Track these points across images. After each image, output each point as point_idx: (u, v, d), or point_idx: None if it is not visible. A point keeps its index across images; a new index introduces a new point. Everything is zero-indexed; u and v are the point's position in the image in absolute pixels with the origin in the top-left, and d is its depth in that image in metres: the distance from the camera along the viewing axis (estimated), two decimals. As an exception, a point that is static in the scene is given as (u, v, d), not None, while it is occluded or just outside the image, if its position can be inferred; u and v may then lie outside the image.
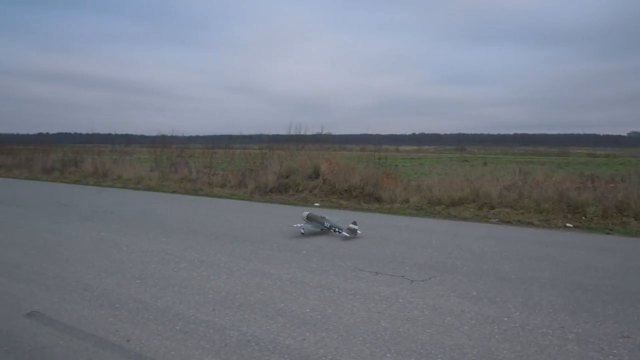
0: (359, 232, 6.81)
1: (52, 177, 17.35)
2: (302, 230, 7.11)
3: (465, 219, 8.50)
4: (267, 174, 12.58)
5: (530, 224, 7.95)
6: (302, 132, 14.75)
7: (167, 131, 21.55)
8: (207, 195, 12.05)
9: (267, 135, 16.45)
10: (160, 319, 3.71)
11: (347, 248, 6.08)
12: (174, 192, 12.70)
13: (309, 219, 7.42)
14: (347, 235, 6.77)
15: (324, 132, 15.04)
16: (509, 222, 8.11)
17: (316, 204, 10.28)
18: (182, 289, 4.43)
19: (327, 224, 7.14)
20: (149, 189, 13.51)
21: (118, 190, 13.24)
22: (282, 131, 15.88)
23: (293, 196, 11.38)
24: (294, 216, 8.54)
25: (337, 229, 6.95)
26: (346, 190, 11.16)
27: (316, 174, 12.14)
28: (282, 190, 11.98)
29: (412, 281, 4.67)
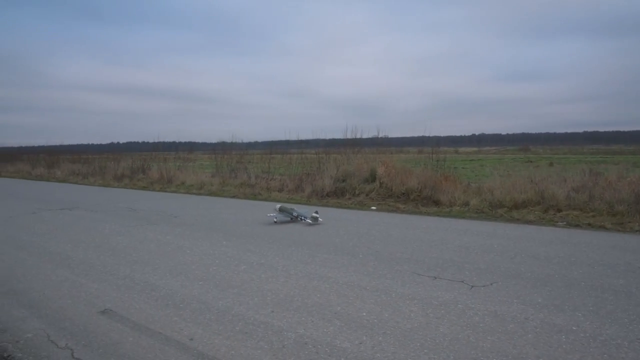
0: (320, 219, 8.25)
1: (122, 183, 18.44)
2: (275, 219, 8.43)
3: (529, 222, 8.13)
4: (324, 178, 12.68)
5: (602, 227, 7.46)
6: (358, 136, 14.75)
7: (227, 138, 22.29)
8: (266, 199, 12.33)
9: (324, 140, 16.57)
10: (221, 319, 3.84)
11: (405, 252, 5.99)
12: (233, 196, 13.10)
13: (281, 210, 8.79)
14: (311, 222, 8.18)
15: (380, 135, 14.94)
16: (577, 226, 7.66)
17: (373, 208, 10.23)
18: (241, 291, 4.56)
19: (295, 214, 8.61)
20: (211, 194, 14.02)
21: (182, 196, 13.85)
22: (338, 135, 15.95)
23: (350, 200, 11.39)
24: (350, 219, 8.55)
25: (302, 217, 8.44)
26: (403, 194, 11.02)
27: (373, 178, 12.08)
28: (338, 194, 12.03)
29: (472, 286, 4.53)
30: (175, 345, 3.36)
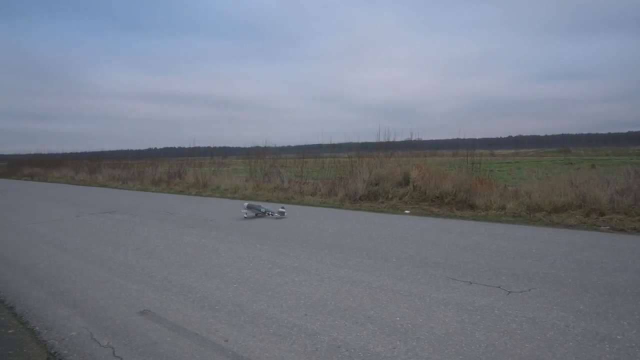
0: (285, 214, 9.72)
1: (160, 188, 18.94)
2: (245, 215, 9.80)
3: (569, 226, 7.86)
4: (357, 182, 12.65)
5: (648, 232, 7.14)
6: (391, 139, 14.65)
7: (260, 143, 22.57)
8: (299, 203, 12.41)
9: (356, 143, 16.52)
10: (256, 322, 3.90)
11: (439, 256, 5.91)
12: (267, 200, 13.24)
13: (249, 207, 10.07)
14: (278, 216, 9.64)
15: (414, 137, 14.77)
16: (622, 230, 7.35)
17: (406, 211, 10.13)
18: (275, 294, 4.61)
19: (262, 210, 9.95)
20: (245, 197, 14.20)
21: (216, 200, 14.11)
22: (371, 138, 15.87)
23: (383, 204, 11.32)
24: (384, 224, 8.51)
25: (270, 213, 9.78)
26: (437, 197, 10.86)
27: (406, 181, 11.97)
28: (371, 197, 11.98)
29: (510, 292, 4.42)
30: (211, 347, 3.43)
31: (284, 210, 9.81)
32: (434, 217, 9.47)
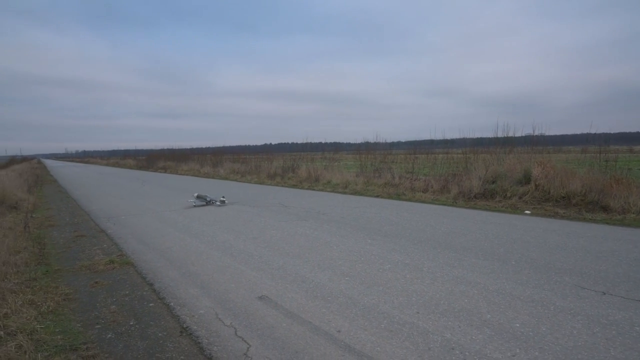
0: (226, 202, 12.13)
1: (275, 181, 19.91)
2: (194, 204, 11.93)
3: None
4: (471, 179, 12.08)
5: None
6: (510, 134, 13.73)
7: (370, 138, 22.60)
8: (409, 200, 12.21)
9: (470, 139, 15.70)
10: (367, 315, 3.93)
11: (565, 262, 5.41)
12: (377, 196, 13.23)
13: (198, 197, 12.26)
14: (219, 204, 11.87)
15: (536, 132, 13.65)
16: None
17: (527, 212, 9.44)
18: (386, 289, 4.61)
19: (208, 199, 12.12)
20: (355, 193, 14.36)
21: (328, 194, 14.45)
22: (487, 133, 15.00)
23: (500, 203, 10.66)
24: (501, 224, 8.03)
25: (213, 201, 12.11)
26: (563, 198, 9.95)
27: (527, 179, 11.14)
28: (487, 196, 11.36)
29: (653, 307, 3.91)
30: (324, 336, 3.54)
31: (224, 199, 12.22)
32: (560, 219, 8.69)
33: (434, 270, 5.23)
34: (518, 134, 13.90)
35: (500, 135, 13.75)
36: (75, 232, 8.44)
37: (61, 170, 45.38)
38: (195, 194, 12.55)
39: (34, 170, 38.01)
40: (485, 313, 3.89)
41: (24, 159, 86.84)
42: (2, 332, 3.68)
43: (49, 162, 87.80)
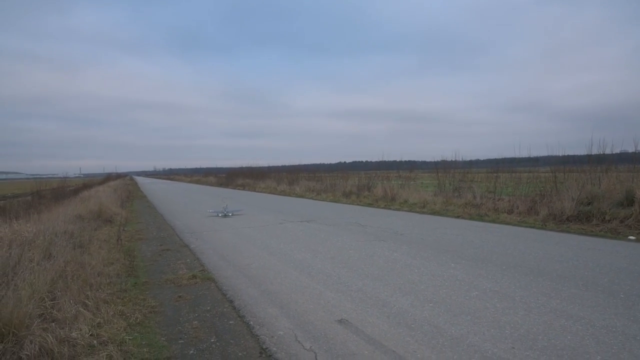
0: (236, 213, 14.96)
1: (350, 200, 19.80)
2: (213, 213, 14.89)
3: None
4: (563, 200, 11.17)
5: None
6: (607, 151, 12.57)
7: (448, 156, 21.84)
8: (493, 221, 11.52)
9: (556, 157, 14.57)
10: (455, 347, 3.63)
11: (686, 297, 4.72)
12: (458, 217, 12.65)
13: (219, 210, 15.08)
14: (230, 215, 14.41)
15: (638, 149, 12.36)
16: None
17: (631, 237, 8.50)
18: (475, 319, 4.26)
19: (225, 211, 14.65)
20: (433, 213, 13.85)
21: (405, 214, 14.06)
22: (575, 150, 13.84)
23: (597, 226, 9.71)
24: (602, 250, 7.28)
25: (230, 213, 14.68)
26: (675, 222, 8.86)
27: (629, 201, 10.09)
28: (582, 219, 10.41)
29: None
30: (410, 367, 3.30)
31: (233, 210, 15.38)
32: (672, 246, 7.71)
33: (527, 300, 4.78)
34: (613, 151, 12.70)
35: (595, 152, 12.64)
36: (161, 246, 8.84)
37: (150, 186, 48.66)
38: (222, 207, 15.71)
39: (126, 186, 41.07)
40: (594, 354, 3.43)
41: (118, 176, 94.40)
42: (95, 341, 3.84)
43: (139, 179, 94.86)
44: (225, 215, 14.30)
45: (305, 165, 39.45)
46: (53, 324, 4.02)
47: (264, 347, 3.83)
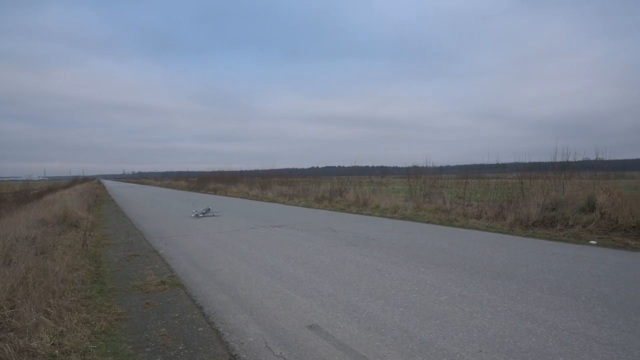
0: (210, 213, 16.00)
1: (322, 205, 19.81)
2: (194, 213, 15.74)
3: None
4: (529, 206, 11.48)
5: None
6: (570, 158, 13.01)
7: (419, 162, 22.15)
8: (462, 226, 11.73)
9: (523, 163, 15.01)
10: (425, 352, 3.67)
11: (643, 299, 4.91)
12: (428, 222, 12.83)
13: (198, 210, 16.02)
14: (210, 214, 15.69)
15: (599, 156, 12.83)
16: None
17: (592, 242, 8.80)
18: (444, 323, 4.32)
19: (203, 210, 15.94)
20: (404, 218, 14.00)
21: (377, 219, 14.16)
22: (541, 157, 14.25)
23: (561, 231, 10.02)
24: (565, 255, 7.51)
25: (210, 213, 15.88)
26: (634, 227, 9.23)
27: (591, 207, 10.46)
28: (547, 224, 10.72)
29: None
30: (380, 372, 3.31)
31: (210, 208, 16.61)
32: (630, 250, 8.03)
33: (494, 304, 4.88)
34: (576, 158, 13.17)
35: (559, 159, 13.06)
36: (129, 251, 8.64)
37: (118, 190, 47.53)
38: (203, 208, 16.63)
39: (93, 190, 40.00)
40: (557, 355, 3.53)
41: (86, 179, 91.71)
42: (57, 351, 3.70)
43: (107, 183, 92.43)
44: (196, 216, 15.38)
45: (278, 169, 39.35)
46: (11, 333, 3.87)
47: (234, 353, 3.78)
